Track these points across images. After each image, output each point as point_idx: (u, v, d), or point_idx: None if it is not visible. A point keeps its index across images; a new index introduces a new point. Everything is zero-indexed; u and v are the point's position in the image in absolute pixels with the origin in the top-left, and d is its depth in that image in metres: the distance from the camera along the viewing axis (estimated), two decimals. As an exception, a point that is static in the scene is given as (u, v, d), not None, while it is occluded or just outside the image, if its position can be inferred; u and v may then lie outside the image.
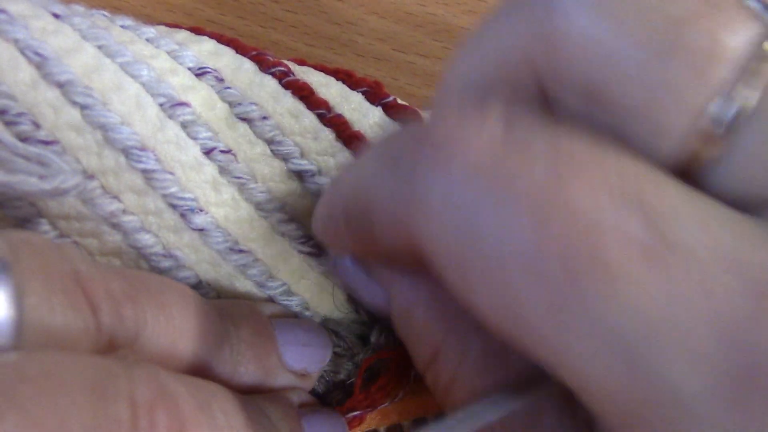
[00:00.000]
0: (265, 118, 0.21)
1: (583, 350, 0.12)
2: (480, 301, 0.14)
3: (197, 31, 0.23)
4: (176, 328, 0.18)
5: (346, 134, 0.22)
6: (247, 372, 0.20)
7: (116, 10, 0.26)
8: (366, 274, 0.20)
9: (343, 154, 0.22)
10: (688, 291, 0.12)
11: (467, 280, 0.14)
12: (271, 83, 0.22)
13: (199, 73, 0.21)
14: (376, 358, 0.22)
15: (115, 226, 0.20)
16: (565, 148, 0.13)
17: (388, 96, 0.22)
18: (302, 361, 0.21)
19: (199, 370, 0.18)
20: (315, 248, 0.22)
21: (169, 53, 0.21)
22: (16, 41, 0.19)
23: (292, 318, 0.22)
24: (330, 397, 0.22)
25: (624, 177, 0.12)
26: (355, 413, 0.22)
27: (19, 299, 0.15)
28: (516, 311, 0.13)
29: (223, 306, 0.20)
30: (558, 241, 0.12)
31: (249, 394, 0.19)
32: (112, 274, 0.17)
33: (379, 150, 0.17)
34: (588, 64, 0.13)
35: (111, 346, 0.16)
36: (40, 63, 0.19)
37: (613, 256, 0.12)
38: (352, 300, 0.22)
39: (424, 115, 0.23)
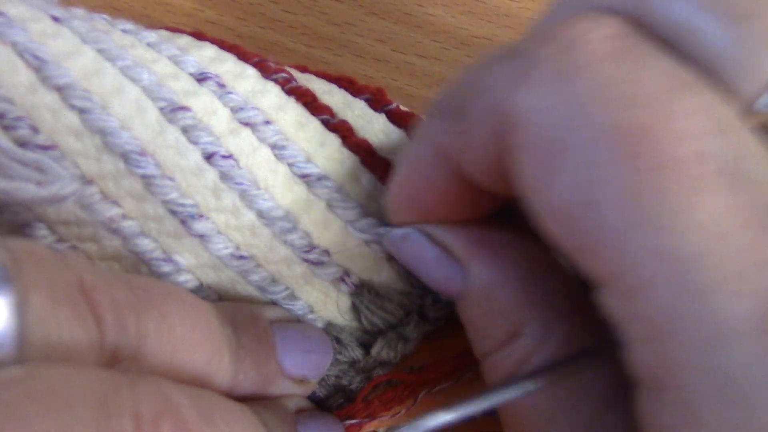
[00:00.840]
0: (268, 122, 0.21)
1: (641, 256, 0.14)
2: (560, 194, 0.15)
3: (199, 36, 0.22)
4: (177, 338, 0.18)
5: (351, 140, 0.22)
6: (247, 379, 0.19)
7: (116, 11, 0.25)
8: (439, 248, 0.19)
9: (351, 160, 0.21)
10: (746, 217, 0.13)
11: (552, 169, 0.15)
12: (274, 90, 0.21)
13: (201, 78, 0.21)
14: (389, 377, 0.22)
15: (115, 231, 0.20)
16: (675, 69, 0.14)
17: (391, 103, 0.22)
18: (302, 368, 0.21)
19: (199, 378, 0.18)
20: (320, 256, 0.21)
21: (170, 58, 0.21)
22: (14, 44, 0.19)
23: (294, 322, 0.22)
24: (330, 401, 0.22)
25: (719, 110, 0.14)
26: (353, 421, 0.22)
27: (21, 310, 0.14)
28: (589, 211, 0.14)
29: (224, 310, 0.20)
30: (651, 145, 0.14)
31: (247, 401, 0.19)
32: (116, 282, 0.17)
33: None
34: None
35: (114, 358, 0.16)
36: (38, 66, 0.19)
37: (695, 166, 0.13)
38: (355, 309, 0.22)
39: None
